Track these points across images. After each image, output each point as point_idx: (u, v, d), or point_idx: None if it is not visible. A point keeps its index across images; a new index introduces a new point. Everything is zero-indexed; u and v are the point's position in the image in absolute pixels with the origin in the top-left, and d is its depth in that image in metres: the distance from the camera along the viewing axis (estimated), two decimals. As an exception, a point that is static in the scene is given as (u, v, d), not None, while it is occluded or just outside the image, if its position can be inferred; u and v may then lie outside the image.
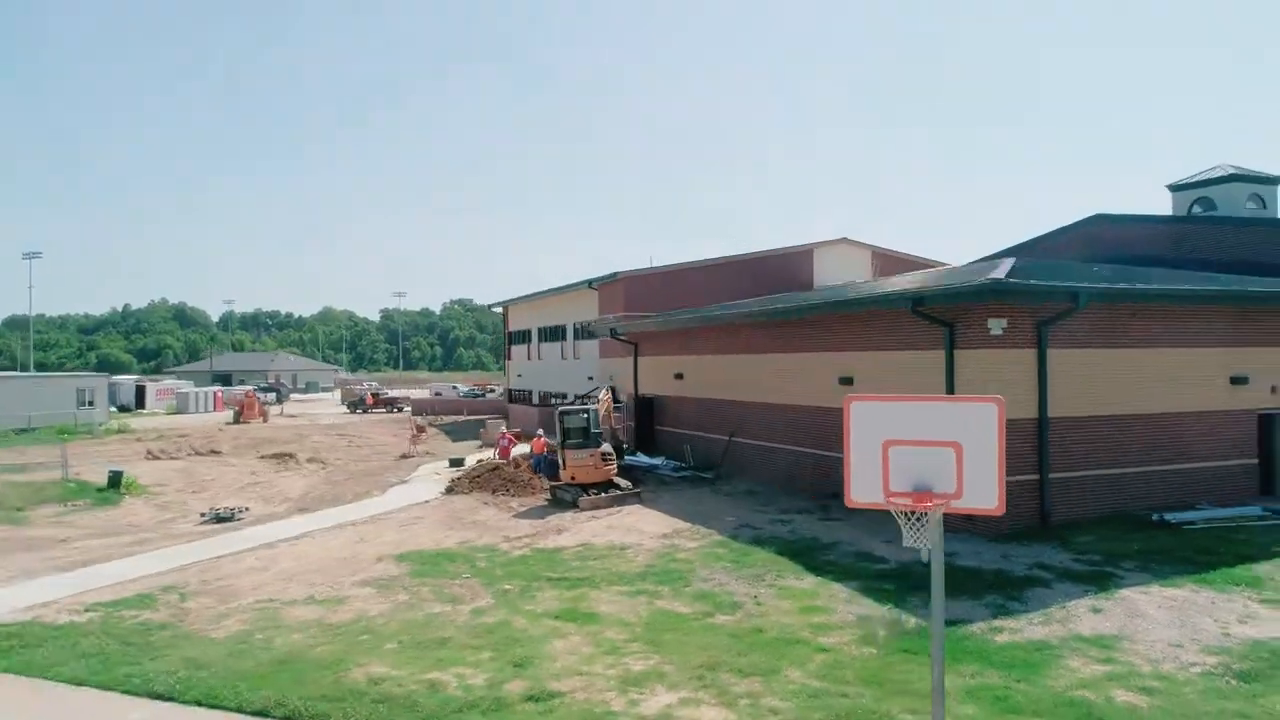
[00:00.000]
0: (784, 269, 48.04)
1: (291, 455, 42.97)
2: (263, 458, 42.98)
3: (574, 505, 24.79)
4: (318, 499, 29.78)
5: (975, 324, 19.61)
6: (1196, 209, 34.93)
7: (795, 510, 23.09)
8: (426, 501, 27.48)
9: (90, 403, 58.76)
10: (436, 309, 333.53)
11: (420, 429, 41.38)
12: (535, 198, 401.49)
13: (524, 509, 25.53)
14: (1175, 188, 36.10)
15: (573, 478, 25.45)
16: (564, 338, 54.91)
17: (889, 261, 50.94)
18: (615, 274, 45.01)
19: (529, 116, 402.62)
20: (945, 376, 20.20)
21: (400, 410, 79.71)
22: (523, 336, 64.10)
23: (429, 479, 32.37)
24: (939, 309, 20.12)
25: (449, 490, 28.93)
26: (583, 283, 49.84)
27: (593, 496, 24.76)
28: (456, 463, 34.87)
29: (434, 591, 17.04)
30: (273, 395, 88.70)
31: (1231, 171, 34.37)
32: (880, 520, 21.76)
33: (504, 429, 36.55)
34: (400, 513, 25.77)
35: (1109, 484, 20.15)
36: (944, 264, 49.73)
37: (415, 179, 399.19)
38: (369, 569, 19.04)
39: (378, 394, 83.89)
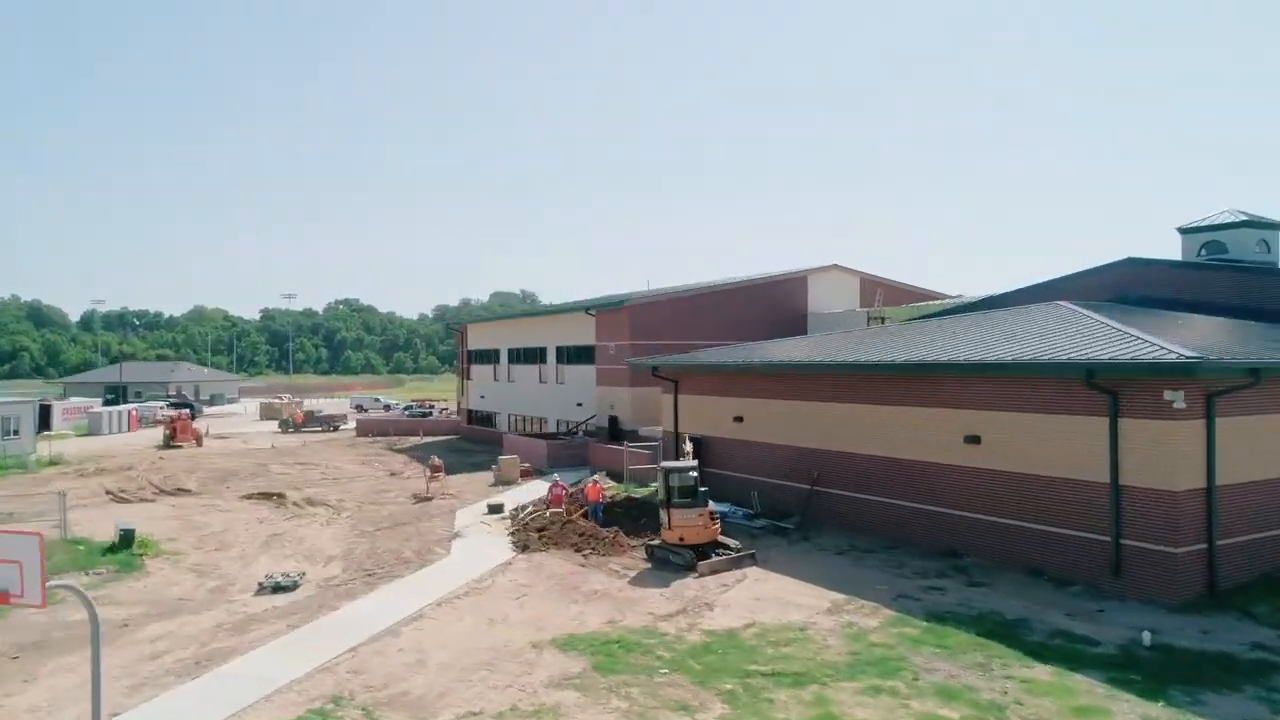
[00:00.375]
0: (782, 295, 48.02)
1: (281, 495, 40.00)
2: (248, 498, 39.87)
3: (687, 569, 23.72)
4: (370, 559, 27.58)
5: (1145, 394, 19.66)
6: (1204, 252, 36.57)
7: (932, 573, 22.72)
8: (509, 563, 25.82)
9: (15, 431, 53.31)
10: (319, 309, 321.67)
11: (437, 468, 39.09)
12: (423, 197, 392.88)
13: (629, 572, 24.27)
14: (1185, 230, 37.66)
15: (681, 538, 24.34)
16: (544, 360, 53.35)
17: (876, 288, 51.57)
18: (622, 300, 44.03)
19: (401, 117, 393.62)
20: (1109, 444, 20.20)
21: (336, 429, 75.94)
22: (486, 356, 62.06)
23: (480, 530, 30.54)
24: (1107, 380, 20.07)
25: (523, 548, 27.30)
26: (574, 306, 48.68)
27: (711, 560, 23.73)
28: (495, 509, 33.06)
29: (649, 694, 15.82)
30: (186, 411, 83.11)
31: (1242, 217, 36.08)
32: (1027, 585, 21.77)
33: (556, 477, 34.49)
34: (494, 579, 24.10)
35: (1265, 547, 20.57)
36: (940, 294, 50.79)
37: (290, 177, 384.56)
38: (539, 662, 17.60)
39: (312, 411, 79.60)
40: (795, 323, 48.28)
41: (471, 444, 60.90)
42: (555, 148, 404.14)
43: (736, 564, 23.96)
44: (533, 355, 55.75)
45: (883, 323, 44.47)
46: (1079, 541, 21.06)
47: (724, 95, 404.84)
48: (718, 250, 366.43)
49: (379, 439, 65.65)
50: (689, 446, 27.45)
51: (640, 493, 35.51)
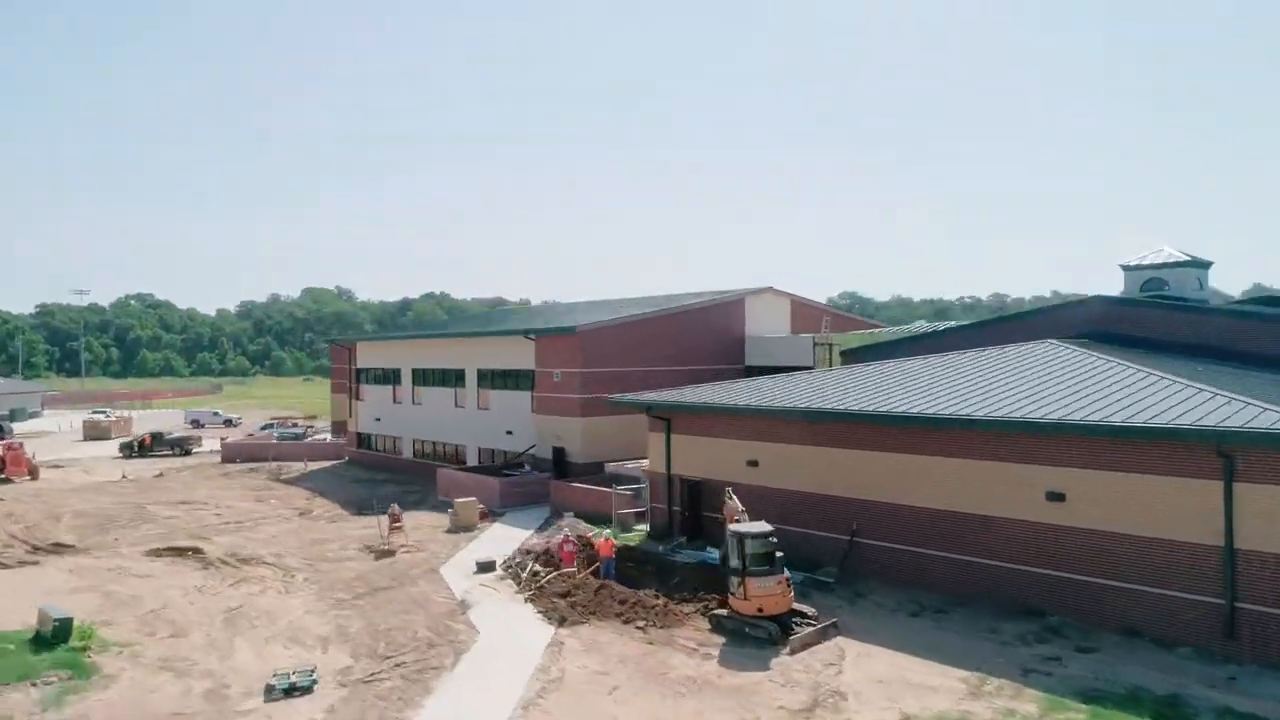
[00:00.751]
0: (721, 318, 46.96)
1: (198, 550, 34.83)
2: (157, 555, 34.43)
3: (771, 643, 21.92)
4: (381, 642, 23.95)
5: (1264, 459, 19.69)
6: (1145, 288, 38.53)
7: (1031, 637, 22.04)
8: (559, 643, 23.00)
9: None
10: (106, 304, 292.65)
11: (397, 517, 34.91)
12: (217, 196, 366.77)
13: (707, 649, 22.18)
14: (1128, 268, 39.55)
15: (760, 610, 22.48)
16: (461, 383, 49.84)
17: (805, 310, 51.49)
18: (572, 326, 41.38)
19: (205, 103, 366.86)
20: (1224, 508, 20.15)
21: (188, 452, 68.23)
22: (383, 376, 57.43)
23: (489, 597, 27.30)
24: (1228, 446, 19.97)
25: (560, 620, 24.52)
26: (505, 330, 45.51)
27: (801, 635, 22.00)
28: (486, 567, 29.86)
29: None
30: (15, 439, 72.35)
31: (1184, 257, 38.26)
32: (1135, 648, 21.43)
33: (565, 531, 31.20)
34: (558, 666, 21.35)
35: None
36: (873, 322, 51.20)
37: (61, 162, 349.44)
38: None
39: (160, 432, 71.12)
40: (734, 347, 47.30)
41: (369, 472, 56.06)
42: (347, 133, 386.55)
43: (823, 635, 22.39)
44: (447, 377, 51.84)
45: (830, 349, 44.24)
46: (1183, 603, 20.96)
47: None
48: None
49: (255, 466, 59.31)
50: (734, 501, 25.56)
51: (629, 539, 33.30)
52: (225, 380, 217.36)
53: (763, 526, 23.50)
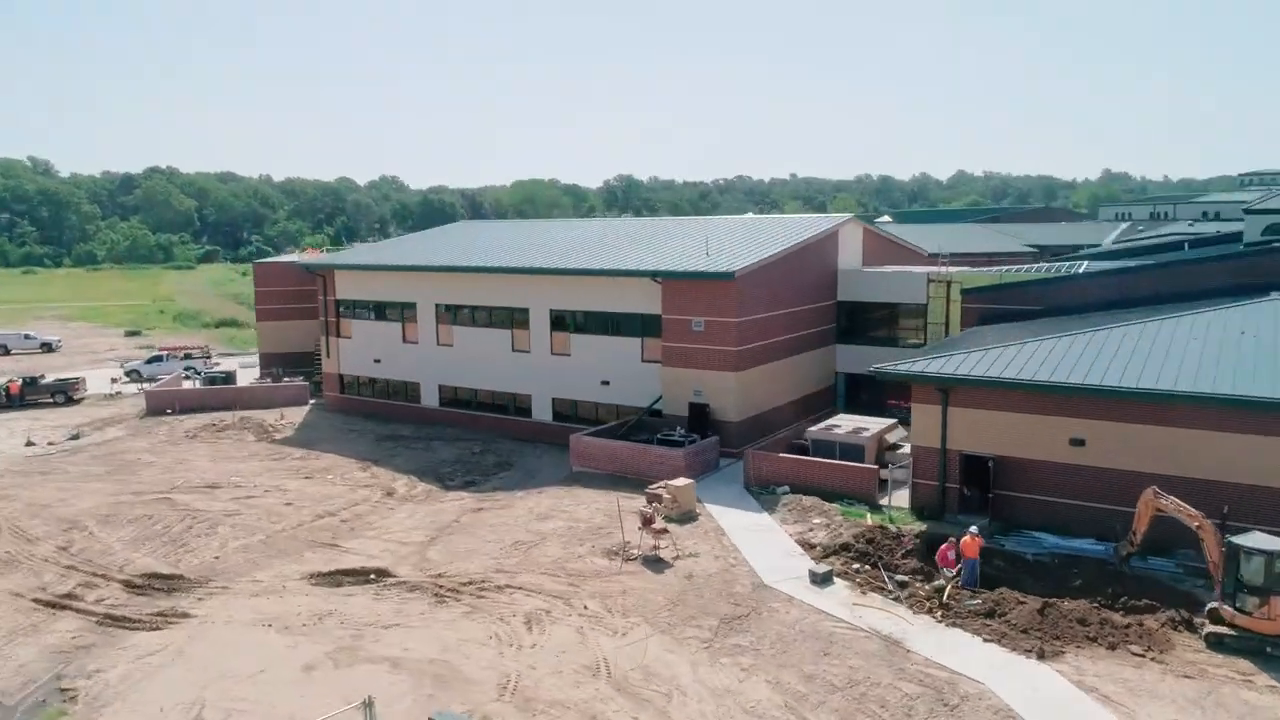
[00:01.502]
0: (823, 252, 43.83)
1: (384, 573, 27.73)
2: (334, 583, 27.05)
3: (1315, 668, 20.63)
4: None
5: None
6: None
7: None
8: (1093, 690, 20.30)
9: None
10: None
11: (650, 520, 28.89)
12: None
13: (1251, 679, 20.50)
14: (1250, 211, 40.90)
15: (1286, 630, 21.04)
16: (522, 324, 43.50)
17: (873, 240, 49.53)
18: (731, 272, 36.67)
19: None
20: None
21: (73, 400, 54.95)
22: (385, 310, 48.93)
23: (893, 624, 23.57)
24: None
25: (1039, 654, 21.65)
26: (620, 270, 39.66)
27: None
28: (823, 579, 25.80)
29: None
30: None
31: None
32: None
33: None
34: (1154, 726, 18.81)
35: None
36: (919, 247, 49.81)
37: None
38: None
39: (35, 377, 56.50)
40: (827, 282, 44.24)
41: (374, 423, 47.78)
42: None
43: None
44: (499, 316, 44.54)
45: (948, 287, 42.58)
46: None
47: None
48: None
49: (214, 419, 48.66)
50: (1171, 502, 23.47)
51: (879, 519, 30.25)
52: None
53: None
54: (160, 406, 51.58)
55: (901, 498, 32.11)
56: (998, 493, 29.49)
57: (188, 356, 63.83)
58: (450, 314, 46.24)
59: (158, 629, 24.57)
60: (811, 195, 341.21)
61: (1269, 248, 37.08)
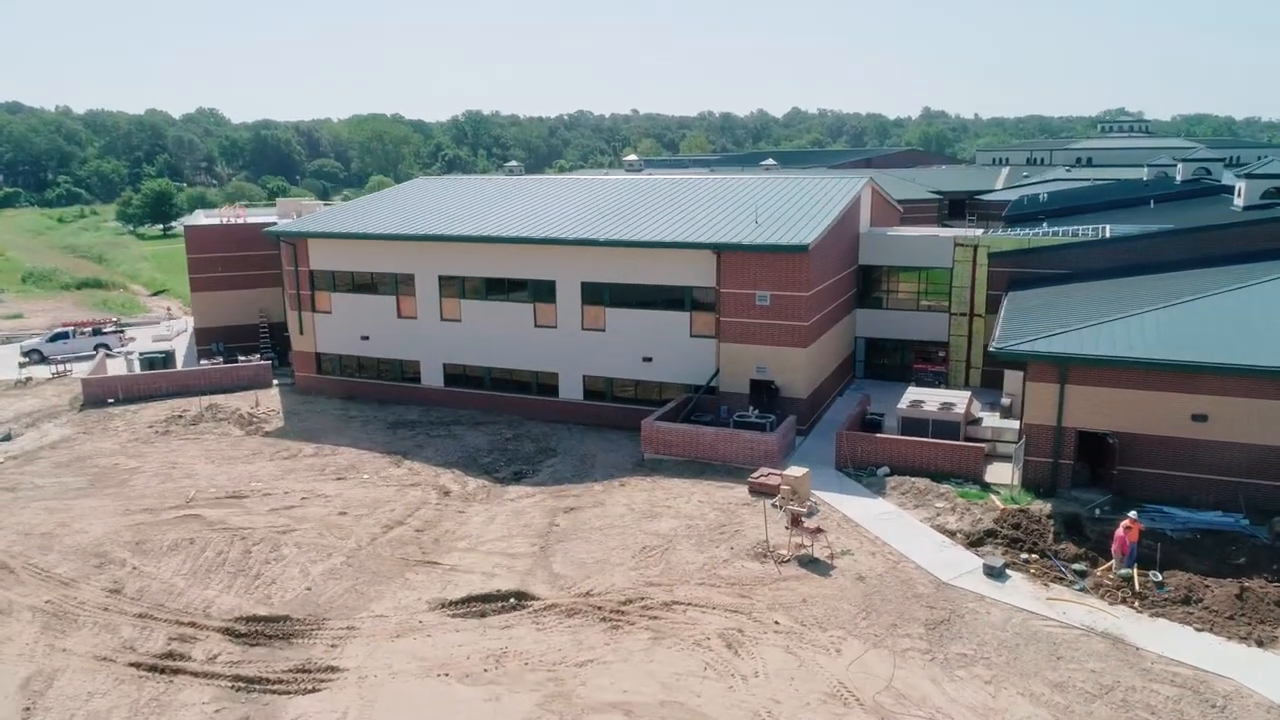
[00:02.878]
0: (850, 214, 43.08)
1: (526, 596, 25.19)
2: (466, 612, 24.37)
3: None
4: None
5: None
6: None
7: None
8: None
9: None
10: None
11: (798, 519, 27.16)
12: None
13: None
14: (1251, 176, 42.94)
15: None
16: (547, 298, 40.82)
17: (880, 201, 49.27)
18: (805, 245, 35.28)
19: None
20: None
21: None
22: (373, 283, 44.63)
23: (1100, 619, 23.41)
24: None
25: (1258, 643, 22.03)
26: (675, 243, 37.52)
27: None
28: (996, 573, 25.33)
29: None
30: None
31: None
32: None
33: (1133, 514, 25.47)
34: None
35: None
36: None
37: None
38: None
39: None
40: (851, 245, 43.48)
41: (366, 407, 43.58)
42: None
43: None
44: (518, 289, 41.11)
45: (975, 250, 42.73)
46: None
47: None
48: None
49: (177, 409, 42.96)
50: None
51: (1030, 504, 30.03)
52: None
53: None
54: (100, 396, 45.12)
55: (1000, 473, 32.17)
56: (1120, 469, 29.89)
57: (97, 332, 56.13)
58: (457, 286, 42.44)
59: (314, 691, 21.26)
60: (660, 133, 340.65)
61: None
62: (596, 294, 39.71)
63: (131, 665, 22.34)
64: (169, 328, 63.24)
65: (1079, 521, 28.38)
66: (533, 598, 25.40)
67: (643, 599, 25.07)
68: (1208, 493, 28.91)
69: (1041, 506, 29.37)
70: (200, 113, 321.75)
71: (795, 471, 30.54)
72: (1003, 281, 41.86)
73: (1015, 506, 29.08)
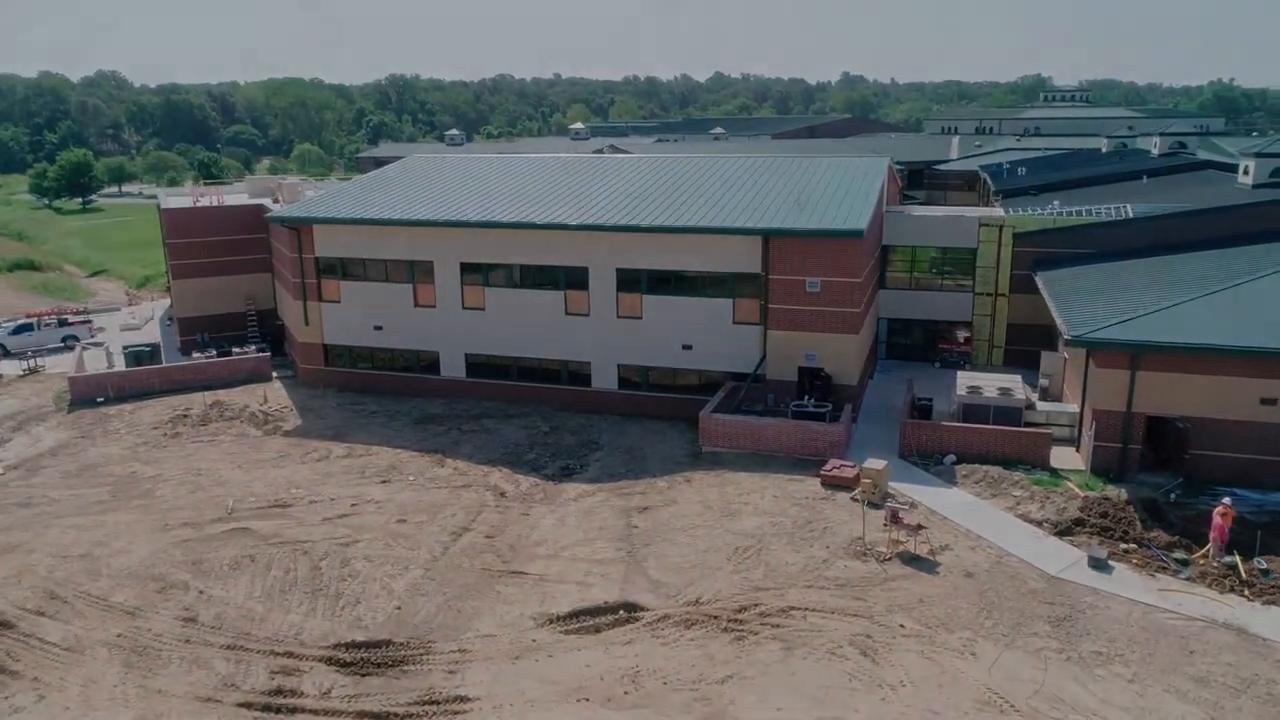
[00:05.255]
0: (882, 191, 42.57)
1: (635, 608, 24.30)
2: (578, 627, 23.47)
3: None
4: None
5: None
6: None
7: None
8: None
9: None
10: None
11: (895, 515, 26.58)
12: None
13: None
14: (1260, 155, 43.90)
15: None
16: (580, 285, 39.61)
17: (891, 178, 48.94)
18: (860, 230, 34.76)
19: None
20: None
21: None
22: (386, 270, 42.64)
23: (1254, 617, 23.70)
24: None
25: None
26: (713, 228, 36.62)
27: None
28: (1101, 565, 25.46)
29: None
30: None
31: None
32: None
33: (1228, 500, 25.23)
34: None
35: None
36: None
37: None
38: None
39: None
40: (879, 226, 43.07)
41: (382, 400, 41.65)
42: None
43: None
44: (547, 276, 39.57)
45: (1000, 231, 42.79)
46: None
47: None
48: None
49: (178, 408, 40.34)
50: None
51: (1104, 490, 30.16)
52: None
53: None
54: (89, 394, 42.11)
55: (1061, 458, 32.43)
56: (1192, 453, 30.33)
57: (63, 323, 52.39)
58: (480, 274, 40.69)
59: (452, 725, 20.09)
60: (588, 98, 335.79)
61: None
62: (633, 281, 38.53)
63: (241, 705, 20.78)
64: (135, 315, 59.51)
65: (1158, 507, 28.75)
66: (642, 608, 24.53)
67: (757, 605, 24.43)
68: (1275, 474, 29.59)
69: (1118, 493, 29.66)
70: (101, 76, 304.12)
71: (875, 464, 30.23)
72: (1026, 261, 42.12)
73: (1097, 494, 29.30)
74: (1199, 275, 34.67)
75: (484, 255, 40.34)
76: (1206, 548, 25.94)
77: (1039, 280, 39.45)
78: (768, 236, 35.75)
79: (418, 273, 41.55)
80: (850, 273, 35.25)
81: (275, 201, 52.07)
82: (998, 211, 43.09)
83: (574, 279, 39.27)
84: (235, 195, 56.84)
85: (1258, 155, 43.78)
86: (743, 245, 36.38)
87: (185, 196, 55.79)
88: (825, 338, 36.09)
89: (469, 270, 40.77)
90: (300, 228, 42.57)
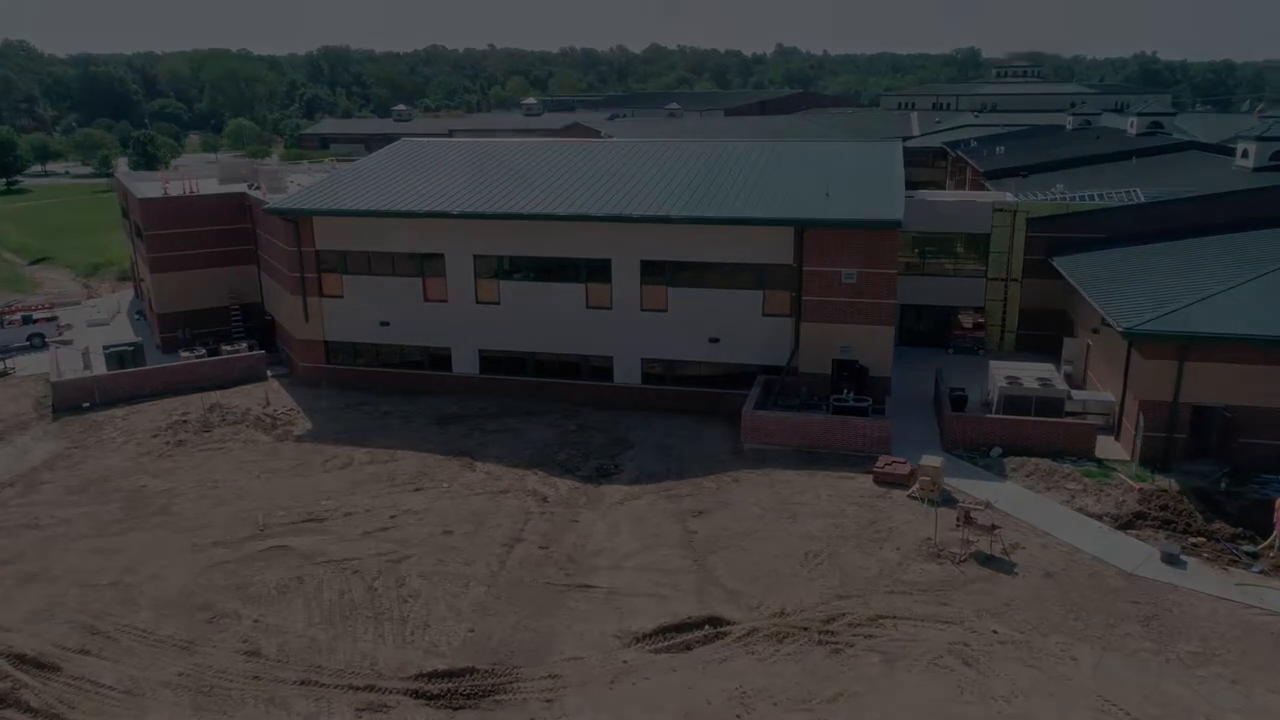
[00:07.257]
0: (894, 182, 42.17)
1: (720, 623, 23.57)
2: (669, 646, 22.69)
3: None
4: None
5: None
6: None
7: None
8: None
9: None
10: None
11: (966, 516, 26.10)
12: None
13: None
14: (1262, 138, 44.54)
15: None
16: (601, 277, 38.54)
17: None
18: (897, 220, 34.29)
19: None
20: None
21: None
22: (393, 263, 40.85)
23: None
24: None
25: None
26: (742, 219, 35.82)
27: None
28: (1174, 560, 25.49)
29: None
30: None
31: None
32: None
33: None
34: None
35: None
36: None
37: None
38: None
39: None
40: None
41: (392, 400, 39.94)
42: None
43: None
44: (568, 268, 38.20)
45: (1014, 216, 42.79)
46: None
47: None
48: None
49: (176, 412, 38.11)
50: None
51: (1153, 481, 30.25)
52: None
53: None
54: (75, 399, 39.53)
55: (1103, 447, 32.54)
56: (1240, 442, 30.61)
57: (28, 320, 49.15)
58: (495, 267, 39.17)
59: (565, 761, 19.13)
60: (525, 69, 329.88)
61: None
62: (657, 272, 37.47)
63: (332, 749, 19.51)
64: (99, 309, 56.28)
65: (1211, 497, 29.00)
66: (727, 622, 23.79)
67: (844, 615, 23.88)
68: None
69: (1170, 484, 29.84)
70: (9, 45, 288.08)
71: (932, 461, 29.90)
72: (1039, 246, 42.21)
73: (1151, 486, 29.41)
74: (1226, 261, 34.95)
75: (499, 248, 38.83)
76: (1272, 538, 26.20)
77: (1059, 267, 39.50)
78: (802, 228, 34.99)
79: (427, 266, 39.81)
80: (886, 263, 34.75)
81: (254, 188, 49.45)
82: (1010, 196, 43.01)
83: (595, 271, 38.04)
84: (205, 181, 53.97)
85: (1259, 139, 44.47)
86: (775, 236, 35.58)
87: (153, 183, 52.53)
88: (860, 329, 35.59)
89: (483, 262, 39.21)
90: (297, 220, 40.39)
